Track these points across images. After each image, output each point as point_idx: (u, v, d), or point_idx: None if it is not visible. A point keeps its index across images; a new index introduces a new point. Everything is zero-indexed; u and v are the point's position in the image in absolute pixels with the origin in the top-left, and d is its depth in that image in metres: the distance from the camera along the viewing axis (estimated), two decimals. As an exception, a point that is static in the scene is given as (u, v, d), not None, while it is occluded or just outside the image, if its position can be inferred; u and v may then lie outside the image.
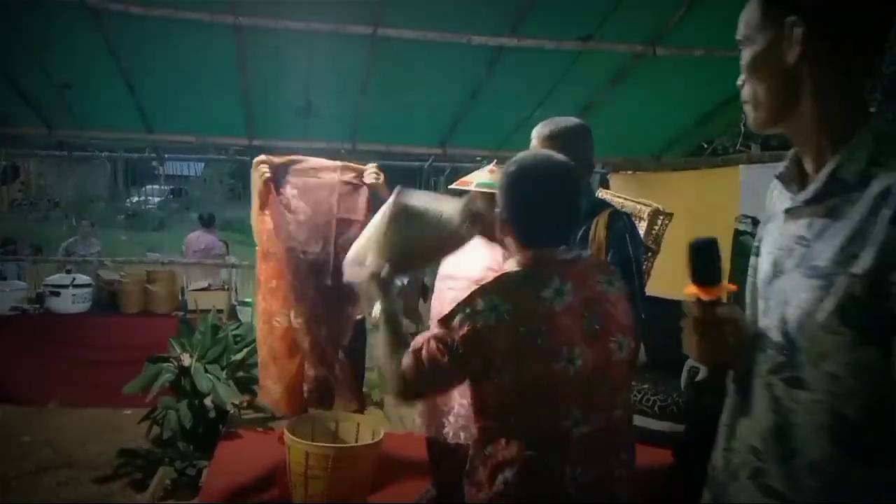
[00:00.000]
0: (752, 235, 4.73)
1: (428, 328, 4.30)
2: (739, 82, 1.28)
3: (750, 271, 1.35)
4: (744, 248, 4.72)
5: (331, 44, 4.63)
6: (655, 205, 2.63)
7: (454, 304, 1.62)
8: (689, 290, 1.26)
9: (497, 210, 1.70)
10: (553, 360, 1.54)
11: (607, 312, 1.62)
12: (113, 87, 5.22)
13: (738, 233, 4.74)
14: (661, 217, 2.59)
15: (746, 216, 4.75)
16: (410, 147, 6.59)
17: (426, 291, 5.64)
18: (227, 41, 4.60)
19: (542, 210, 1.65)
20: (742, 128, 5.93)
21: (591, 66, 4.94)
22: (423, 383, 1.66)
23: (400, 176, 7.75)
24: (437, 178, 7.03)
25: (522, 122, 5.90)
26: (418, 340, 1.64)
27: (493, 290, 1.57)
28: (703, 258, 1.24)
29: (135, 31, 4.48)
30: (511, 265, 1.67)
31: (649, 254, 3.24)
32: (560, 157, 1.72)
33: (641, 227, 3.37)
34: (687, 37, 4.58)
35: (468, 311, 1.56)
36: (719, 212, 4.82)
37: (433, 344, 1.60)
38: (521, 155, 1.74)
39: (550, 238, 1.65)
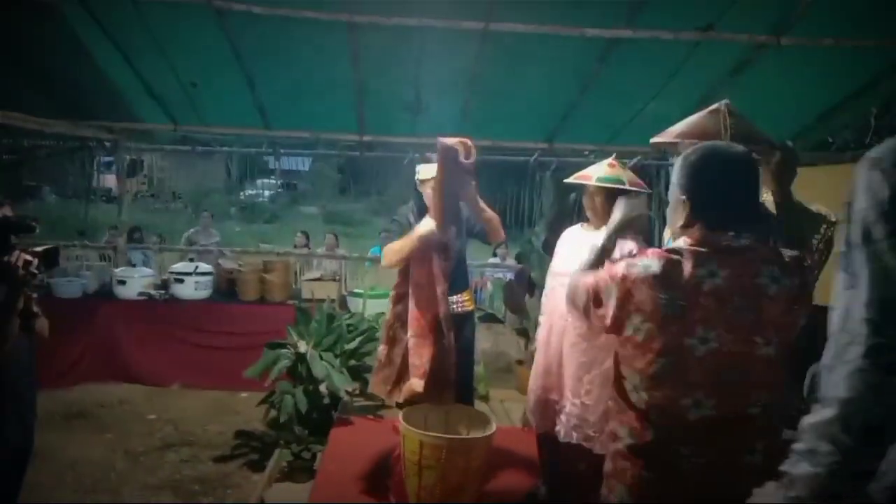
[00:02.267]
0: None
1: (535, 323, 4.29)
2: None
3: None
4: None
5: (441, 40, 4.67)
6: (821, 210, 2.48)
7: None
8: None
9: (676, 190, 1.74)
10: (685, 334, 1.60)
11: (761, 306, 1.61)
12: (234, 84, 5.48)
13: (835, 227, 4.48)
14: (825, 226, 2.45)
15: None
16: (517, 142, 6.58)
17: (532, 287, 5.64)
18: (341, 39, 4.73)
19: (723, 193, 1.66)
20: (872, 121, 5.59)
21: (710, 58, 4.78)
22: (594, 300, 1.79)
23: (505, 170, 7.81)
24: (543, 173, 6.98)
25: (634, 117, 5.80)
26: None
27: (653, 254, 1.66)
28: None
29: (256, 30, 4.68)
30: (679, 243, 1.70)
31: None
32: (745, 150, 1.75)
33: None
34: (814, 27, 4.35)
35: (629, 261, 1.68)
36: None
37: (602, 276, 1.77)
38: (707, 143, 1.78)
39: (724, 222, 1.66)
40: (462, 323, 3.54)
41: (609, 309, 1.70)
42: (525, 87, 5.31)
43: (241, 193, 22.73)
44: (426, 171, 3.51)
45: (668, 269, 1.62)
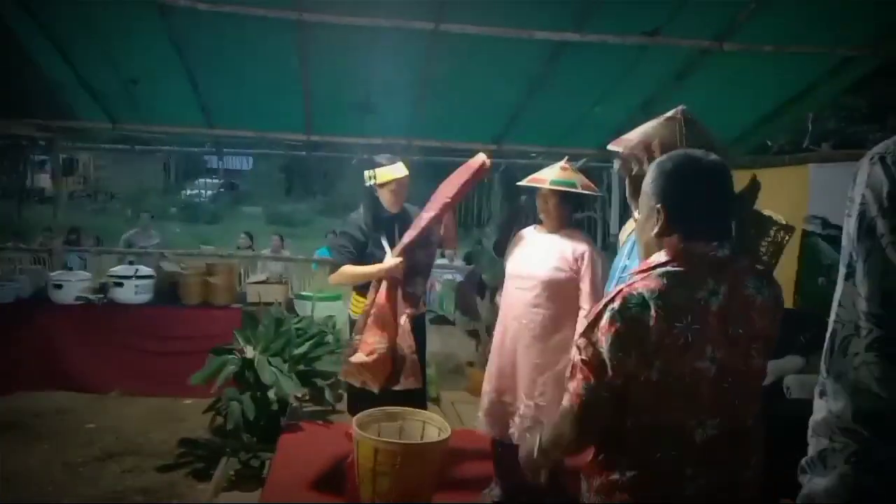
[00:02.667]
0: (822, 237, 4.62)
1: (488, 325, 4.29)
2: None
3: None
4: (813, 250, 4.61)
5: (392, 40, 4.63)
6: (772, 214, 2.50)
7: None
8: None
9: (650, 197, 1.65)
10: (698, 358, 1.53)
11: (751, 318, 1.59)
12: (177, 82, 5.32)
13: (806, 234, 4.63)
14: (774, 228, 2.46)
15: (816, 217, 4.63)
16: (465, 143, 6.57)
17: (483, 288, 5.65)
18: (290, 37, 4.64)
19: (703, 202, 1.61)
20: (809, 125, 5.78)
21: (655, 62, 4.85)
22: (589, 416, 1.58)
23: (453, 171, 7.77)
24: (491, 175, 6.99)
25: (580, 119, 5.86)
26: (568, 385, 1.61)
27: (645, 287, 1.53)
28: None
29: (201, 27, 4.55)
30: (658, 258, 1.61)
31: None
32: (720, 159, 1.69)
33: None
34: (756, 32, 4.46)
35: (616, 308, 1.52)
36: (787, 212, 4.70)
37: (581, 371, 1.56)
38: (679, 150, 1.73)
39: (708, 233, 1.60)
40: (414, 325, 3.53)
41: (615, 372, 1.52)
42: (474, 88, 5.30)
43: (181, 193, 22.24)
44: (385, 174, 3.50)
45: (670, 298, 1.52)
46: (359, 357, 3.23)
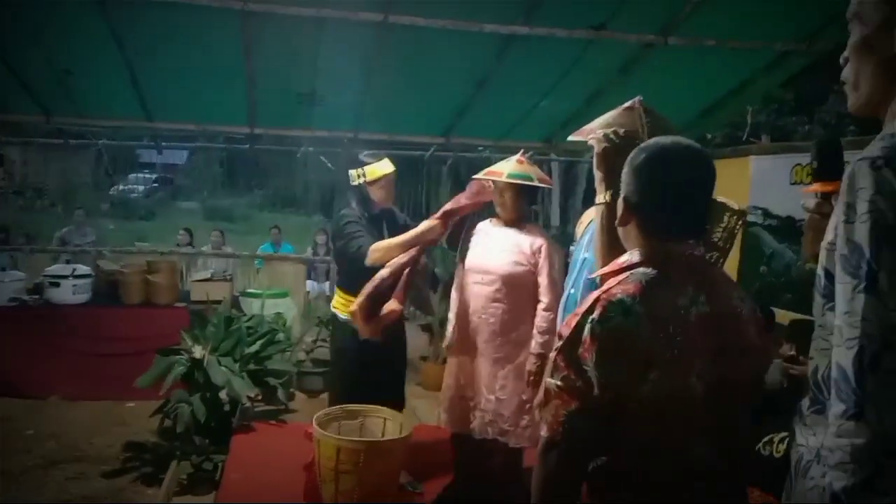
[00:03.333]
0: (763, 227, 4.77)
1: (442, 319, 4.29)
2: (842, 60, 1.26)
3: None
4: (755, 239, 4.75)
5: (339, 31, 4.55)
6: (725, 200, 2.50)
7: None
8: (811, 188, 1.37)
9: (624, 195, 1.53)
10: (687, 372, 1.38)
11: (742, 331, 1.47)
12: (114, 73, 5.12)
13: (748, 224, 4.76)
14: (728, 214, 2.46)
15: (757, 207, 4.77)
16: (413, 136, 6.55)
17: (436, 282, 5.64)
18: (233, 27, 4.52)
19: (682, 196, 1.48)
20: (749, 118, 5.95)
21: (601, 56, 4.91)
22: (577, 447, 1.40)
23: (402, 165, 7.78)
24: (440, 168, 6.99)
25: (527, 112, 5.90)
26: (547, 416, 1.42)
27: (624, 292, 1.38)
28: (826, 154, 1.29)
29: (140, 16, 4.39)
30: (631, 257, 1.49)
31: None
32: (700, 147, 1.57)
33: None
34: (699, 27, 4.56)
35: (597, 319, 1.36)
36: (730, 203, 4.85)
37: (559, 396, 1.39)
38: (656, 139, 1.57)
39: (684, 230, 1.48)
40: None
41: (603, 390, 1.36)
42: (423, 81, 5.27)
43: (114, 189, 21.52)
44: (374, 171, 3.54)
45: (654, 305, 1.38)
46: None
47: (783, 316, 4.24)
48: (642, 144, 1.56)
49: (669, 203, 1.48)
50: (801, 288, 4.43)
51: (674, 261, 1.45)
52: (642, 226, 1.50)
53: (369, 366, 3.47)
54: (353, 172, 3.61)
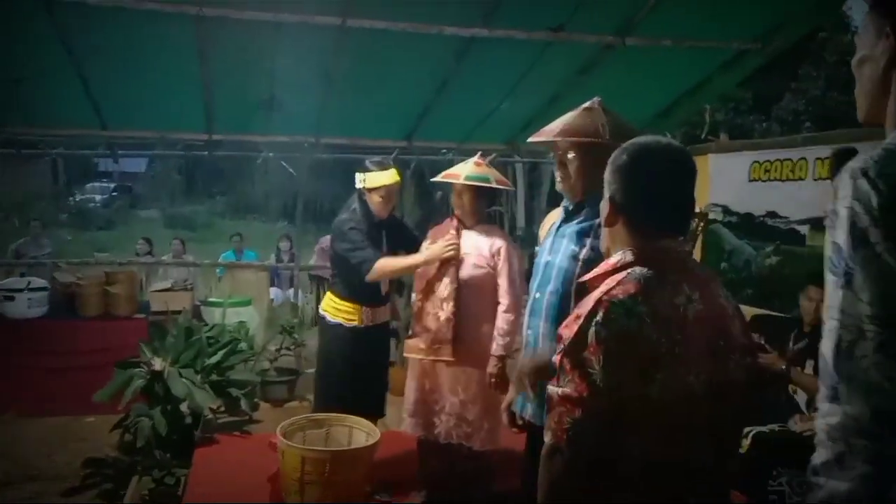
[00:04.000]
0: (722, 224, 4.83)
1: (408, 323, 4.26)
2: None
3: None
4: (715, 236, 4.81)
5: (297, 35, 4.50)
6: None
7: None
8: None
9: (609, 195, 1.53)
10: (689, 373, 1.38)
11: (729, 328, 1.49)
12: (66, 81, 5.01)
13: (709, 221, 4.82)
14: (694, 220, 2.47)
15: (717, 204, 4.83)
16: (375, 140, 6.51)
17: (402, 286, 5.61)
18: (188, 33, 4.43)
19: (670, 193, 1.50)
20: (706, 118, 6.03)
21: (560, 58, 4.93)
22: (583, 452, 1.37)
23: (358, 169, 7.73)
24: (403, 172, 6.95)
25: (489, 114, 5.90)
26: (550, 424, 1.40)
27: (624, 292, 1.38)
28: (844, 162, 1.34)
29: (90, 22, 4.28)
30: (623, 257, 1.48)
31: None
32: (681, 145, 1.62)
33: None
34: (656, 28, 4.60)
35: (601, 321, 1.35)
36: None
37: (565, 402, 1.37)
38: (638, 138, 1.58)
39: (675, 226, 1.51)
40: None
41: (608, 392, 1.34)
42: (383, 85, 5.24)
43: (71, 199, 21.06)
44: (375, 179, 3.49)
45: (655, 304, 1.38)
46: None
47: (745, 311, 4.31)
48: (623, 144, 1.57)
49: (659, 200, 1.49)
50: (761, 283, 4.50)
51: (667, 258, 1.47)
52: (632, 225, 1.50)
53: (357, 370, 3.51)
54: (357, 175, 3.57)
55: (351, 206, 3.62)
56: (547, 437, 1.42)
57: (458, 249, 3.28)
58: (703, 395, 1.40)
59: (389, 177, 3.55)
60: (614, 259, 1.50)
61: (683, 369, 1.38)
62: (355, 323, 3.55)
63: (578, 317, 1.40)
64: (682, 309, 1.40)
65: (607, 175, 1.55)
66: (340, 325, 3.56)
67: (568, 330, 1.41)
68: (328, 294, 3.75)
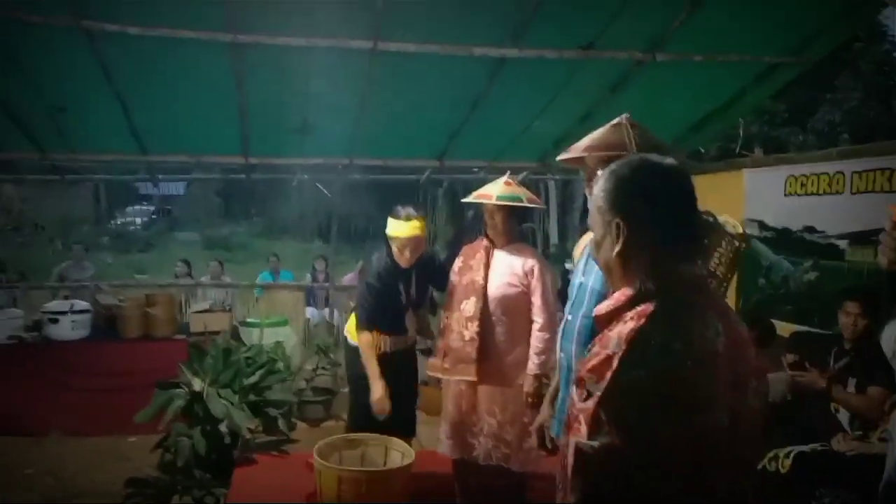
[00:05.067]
0: (759, 239, 4.76)
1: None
2: None
3: None
4: (753, 252, 4.74)
5: (329, 59, 4.58)
6: (725, 223, 2.44)
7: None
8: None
9: (608, 211, 1.40)
10: (722, 407, 1.26)
11: (747, 355, 1.37)
12: (107, 109, 5.16)
13: (749, 243, 4.76)
14: (726, 239, 2.38)
15: (753, 220, 4.76)
16: (408, 160, 6.57)
17: (435, 306, 5.62)
18: (224, 59, 4.55)
19: (678, 214, 1.39)
20: (740, 131, 5.97)
21: (591, 75, 4.94)
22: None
23: (398, 190, 7.84)
24: (435, 191, 7.01)
25: (521, 133, 5.92)
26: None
27: (660, 329, 1.26)
28: None
29: (130, 51, 4.42)
30: (639, 287, 1.36)
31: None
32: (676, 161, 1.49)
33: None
34: (687, 43, 4.58)
35: (636, 364, 1.23)
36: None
37: (596, 460, 1.23)
38: (634, 155, 1.50)
39: (693, 249, 1.40)
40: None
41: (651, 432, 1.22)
42: (415, 106, 5.30)
43: (112, 222, 21.54)
44: (393, 229, 3.53)
45: (689, 339, 1.26)
46: None
47: (783, 328, 4.24)
48: (624, 160, 1.47)
49: (679, 220, 1.39)
50: (799, 299, 4.42)
51: (691, 285, 1.35)
52: (650, 249, 1.37)
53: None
54: (389, 219, 3.57)
55: (381, 249, 3.67)
56: (575, 497, 1.27)
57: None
58: (727, 427, 1.28)
59: (408, 229, 3.48)
60: (632, 290, 1.37)
61: (717, 406, 1.26)
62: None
63: (609, 359, 1.25)
64: (713, 343, 1.28)
65: (612, 195, 1.41)
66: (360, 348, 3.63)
67: (594, 374, 1.26)
68: (352, 316, 3.82)
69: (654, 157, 1.46)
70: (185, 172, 8.11)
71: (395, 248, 3.53)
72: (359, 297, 3.67)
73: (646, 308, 1.30)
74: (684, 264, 1.37)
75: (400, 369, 3.66)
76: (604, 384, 1.23)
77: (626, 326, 1.29)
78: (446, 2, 4.11)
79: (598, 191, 1.44)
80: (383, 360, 3.57)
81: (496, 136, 6.06)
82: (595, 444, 1.23)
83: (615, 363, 1.23)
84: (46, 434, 5.50)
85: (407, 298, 3.67)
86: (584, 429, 1.25)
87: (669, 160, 1.45)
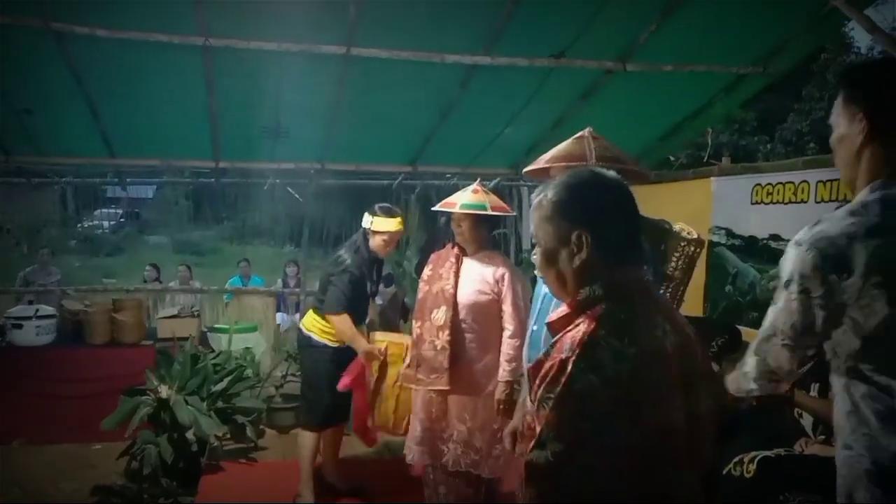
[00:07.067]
0: (726, 247, 4.83)
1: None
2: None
3: None
4: (719, 259, 4.81)
5: (302, 64, 4.57)
6: (681, 229, 2.48)
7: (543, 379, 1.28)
8: None
9: (562, 223, 1.42)
10: (673, 408, 1.29)
11: (696, 356, 1.40)
12: (75, 111, 5.10)
13: (712, 244, 4.83)
14: (683, 244, 2.43)
15: (720, 227, 4.83)
16: (380, 166, 6.57)
17: (406, 311, 5.62)
18: (195, 62, 4.52)
19: (625, 221, 1.44)
20: (709, 140, 6.06)
21: (562, 83, 4.98)
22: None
23: (370, 195, 7.84)
24: (408, 197, 7.01)
25: (493, 139, 5.95)
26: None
27: (610, 332, 1.28)
28: None
29: (100, 54, 4.37)
30: (588, 293, 1.38)
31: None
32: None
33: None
34: (656, 53, 4.64)
35: (587, 367, 1.24)
36: (692, 224, 4.90)
37: (549, 469, 1.25)
38: (581, 170, 1.52)
39: (637, 254, 1.44)
40: None
41: (606, 435, 1.24)
42: (388, 111, 5.30)
43: (80, 226, 21.18)
44: (381, 224, 3.87)
45: (641, 341, 1.29)
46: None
47: (750, 334, 4.29)
48: (572, 172, 1.51)
49: (626, 227, 1.43)
50: (765, 306, 4.47)
51: (637, 289, 1.39)
52: (597, 256, 1.39)
53: (335, 386, 3.77)
54: (366, 216, 3.92)
55: (355, 243, 3.94)
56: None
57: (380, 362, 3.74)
58: (682, 428, 1.31)
59: (395, 224, 3.92)
60: (581, 296, 1.39)
61: (669, 405, 1.29)
62: (339, 343, 3.83)
63: (562, 363, 1.27)
64: (661, 342, 1.32)
65: (568, 206, 1.42)
66: (326, 345, 3.85)
67: (549, 379, 1.28)
68: (312, 315, 3.95)
69: (599, 169, 1.53)
70: (155, 176, 8.00)
71: (380, 241, 3.88)
72: (337, 286, 3.79)
73: (596, 310, 1.34)
74: (630, 269, 1.42)
75: (345, 365, 3.84)
76: (559, 388, 1.26)
77: (577, 330, 1.32)
78: (419, 9, 4.11)
79: (546, 202, 1.45)
80: (340, 354, 3.83)
81: (469, 143, 6.08)
82: (547, 453, 1.25)
83: (569, 367, 1.26)
84: (11, 442, 5.39)
85: (371, 288, 4.00)
86: (538, 433, 1.27)
87: (611, 173, 1.49)
